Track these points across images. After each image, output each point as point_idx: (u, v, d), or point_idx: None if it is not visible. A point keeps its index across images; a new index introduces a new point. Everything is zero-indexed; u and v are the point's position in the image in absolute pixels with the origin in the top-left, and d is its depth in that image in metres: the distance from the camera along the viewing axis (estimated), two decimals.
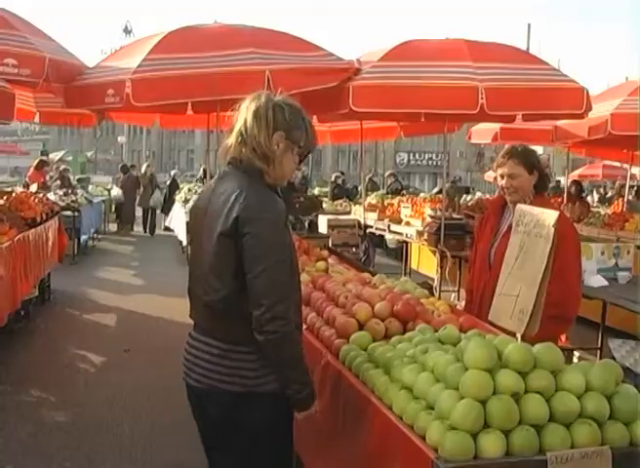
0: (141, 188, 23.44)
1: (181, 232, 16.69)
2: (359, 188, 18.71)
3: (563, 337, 7.47)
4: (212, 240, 3.02)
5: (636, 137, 10.84)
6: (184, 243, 16.13)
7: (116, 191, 24.02)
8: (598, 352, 7.45)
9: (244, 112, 3.18)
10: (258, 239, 2.93)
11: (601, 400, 2.78)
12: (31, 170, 19.14)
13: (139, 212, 23.51)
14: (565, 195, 14.77)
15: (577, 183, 15.21)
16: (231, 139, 3.19)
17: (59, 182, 19.66)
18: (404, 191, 20.72)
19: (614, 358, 6.13)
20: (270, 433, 3.15)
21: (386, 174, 24.62)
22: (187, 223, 2.90)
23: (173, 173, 26.57)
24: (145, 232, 22.66)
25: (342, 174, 23.40)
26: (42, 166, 19.12)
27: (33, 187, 17.38)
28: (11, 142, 62.90)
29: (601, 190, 31.29)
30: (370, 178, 24.61)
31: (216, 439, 3.26)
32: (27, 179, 18.44)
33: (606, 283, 6.68)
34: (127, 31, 63.14)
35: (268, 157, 3.09)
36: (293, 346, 3.04)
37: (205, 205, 3.17)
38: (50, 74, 7.96)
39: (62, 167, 23.44)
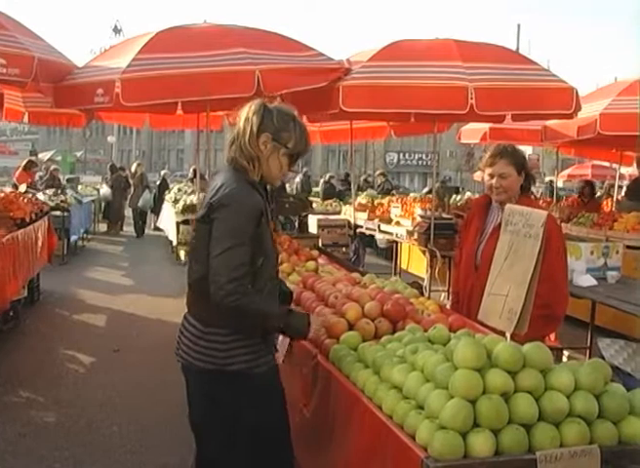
0: (132, 188, 23.20)
1: (172, 232, 16.69)
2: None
3: (552, 337, 7.50)
4: (198, 227, 3.37)
5: (625, 138, 10.91)
6: (175, 242, 16.12)
7: (105, 189, 23.94)
8: (587, 351, 7.48)
9: (240, 117, 3.43)
10: (221, 223, 3.23)
11: (590, 399, 2.79)
12: (19, 170, 19.00)
13: (129, 212, 23.42)
14: (577, 195, 14.89)
15: (588, 183, 15.27)
16: (229, 141, 3.45)
17: (49, 182, 19.65)
18: (394, 191, 20.73)
19: (603, 357, 6.15)
20: (248, 411, 3.38)
21: (376, 173, 24.57)
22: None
23: (163, 173, 26.50)
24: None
25: (347, 175, 23.38)
26: (30, 167, 19.01)
27: (22, 187, 17.34)
28: None
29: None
30: (364, 179, 24.59)
31: (198, 414, 3.52)
32: (15, 180, 18.29)
33: (595, 282, 6.70)
34: (116, 31, 63.11)
35: (253, 157, 3.36)
36: (253, 311, 3.27)
37: (203, 201, 3.45)
38: (39, 74, 7.93)
39: (53, 167, 23.34)
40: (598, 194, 24.73)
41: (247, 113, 3.39)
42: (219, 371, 3.31)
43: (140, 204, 22.00)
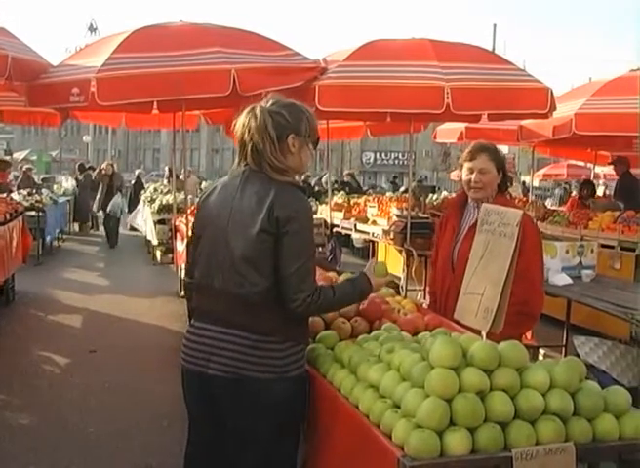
0: (101, 190, 20.59)
1: (149, 232, 16.61)
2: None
3: (529, 335, 7.54)
4: (247, 236, 3.19)
5: (599, 137, 11.03)
6: (155, 242, 16.02)
7: (70, 184, 23.56)
8: (563, 349, 7.52)
9: (245, 128, 3.29)
10: (294, 237, 3.18)
11: (565, 397, 2.81)
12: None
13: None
14: (576, 195, 14.65)
15: (588, 183, 14.80)
16: (246, 150, 3.31)
17: (25, 182, 19.44)
18: (370, 190, 20.72)
19: (578, 355, 6.20)
20: (289, 416, 3.34)
21: (345, 172, 24.39)
22: (199, 221, 2.95)
23: (137, 172, 26.25)
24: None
25: (323, 177, 23.30)
26: (5, 167, 18.82)
27: None
28: None
29: (565, 188, 31.56)
30: (340, 181, 24.50)
31: (231, 430, 3.35)
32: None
33: (570, 281, 6.74)
34: (92, 29, 62.71)
35: (285, 162, 3.29)
36: (337, 306, 3.55)
37: (230, 203, 3.31)
38: (12, 72, 7.87)
39: (26, 166, 23.15)
40: (573, 193, 24.83)
41: (258, 125, 3.25)
42: (277, 380, 3.24)
43: (109, 208, 19.40)
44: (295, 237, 3.18)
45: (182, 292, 11.01)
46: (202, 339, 3.33)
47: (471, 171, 4.61)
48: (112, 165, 21.74)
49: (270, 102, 3.33)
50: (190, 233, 3.81)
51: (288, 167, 3.30)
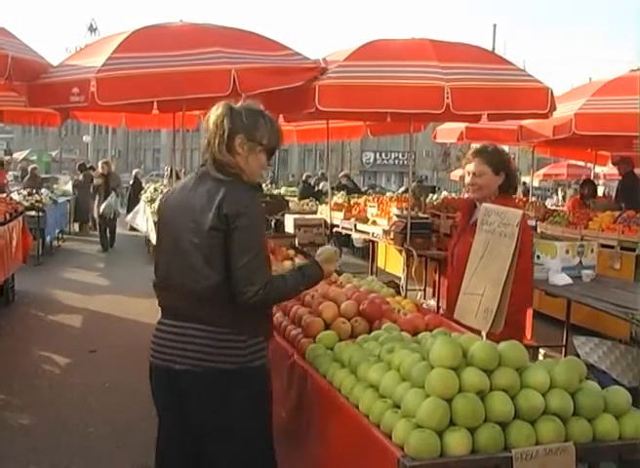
0: (97, 191, 20.17)
1: (150, 231, 16.60)
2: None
3: (528, 335, 7.54)
4: (200, 233, 3.30)
5: (600, 137, 11.03)
6: (154, 241, 15.99)
7: (68, 186, 23.51)
8: (563, 349, 7.52)
9: (208, 122, 3.46)
10: (243, 231, 3.26)
11: (565, 397, 2.81)
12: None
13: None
14: (578, 195, 14.50)
15: (589, 182, 14.55)
16: (203, 146, 3.49)
17: (31, 181, 19.37)
18: (370, 190, 20.66)
19: (578, 355, 6.20)
20: (257, 405, 3.42)
21: (340, 174, 24.11)
22: (160, 221, 3.01)
23: (135, 172, 26.05)
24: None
25: (323, 175, 23.14)
26: (2, 166, 18.80)
27: None
28: None
29: (566, 189, 31.53)
30: (338, 184, 24.20)
31: (202, 423, 3.42)
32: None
33: (570, 281, 6.74)
34: (92, 29, 62.63)
35: (231, 161, 3.40)
36: (287, 296, 3.72)
37: (185, 203, 3.43)
38: (13, 72, 7.87)
39: (32, 165, 23.13)
40: (561, 193, 24.76)
41: (215, 118, 3.42)
42: (240, 370, 3.34)
43: (101, 209, 18.94)
44: (244, 232, 3.27)
45: None
46: (167, 335, 3.44)
47: (468, 173, 4.75)
48: (108, 163, 21.30)
49: (240, 104, 3.49)
50: (156, 238, 3.86)
51: (236, 165, 3.40)
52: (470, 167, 4.74)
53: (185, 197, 3.45)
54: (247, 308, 3.30)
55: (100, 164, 21.42)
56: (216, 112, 3.44)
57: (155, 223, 3.08)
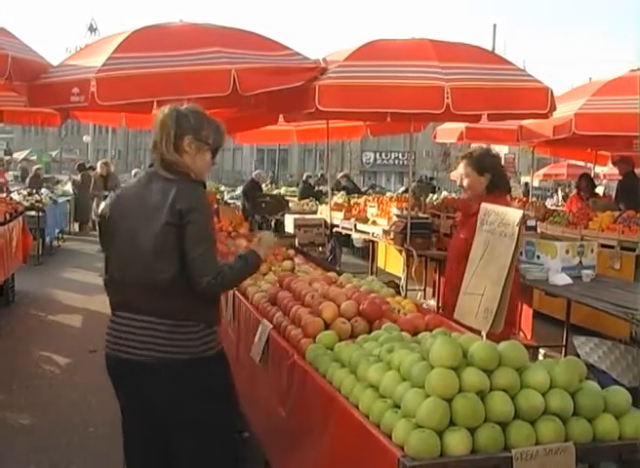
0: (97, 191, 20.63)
1: None
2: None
3: (528, 335, 7.55)
4: (153, 229, 3.50)
5: (600, 137, 11.03)
6: None
7: (68, 186, 23.50)
8: (563, 349, 7.52)
9: (156, 125, 3.67)
10: (195, 226, 3.48)
11: (565, 397, 2.81)
12: None
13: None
14: (575, 191, 14.40)
15: (585, 177, 14.31)
16: (151, 146, 3.73)
17: (33, 181, 19.34)
18: (370, 190, 20.60)
19: (578, 355, 6.20)
20: (214, 394, 3.60)
21: (339, 175, 23.89)
22: (110, 219, 3.16)
23: (134, 172, 25.95)
24: None
25: (322, 176, 23.03)
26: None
27: None
28: None
29: (566, 189, 31.53)
30: (337, 184, 23.92)
31: (163, 414, 3.61)
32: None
33: (570, 281, 6.74)
34: (92, 29, 62.64)
35: (179, 160, 3.62)
36: (235, 284, 4.09)
37: (139, 201, 3.64)
38: (13, 72, 7.86)
39: (36, 166, 23.12)
40: (561, 193, 24.70)
41: (163, 120, 3.62)
42: (195, 360, 3.53)
43: (100, 210, 19.04)
44: (196, 226, 3.49)
45: None
46: (124, 328, 3.61)
47: (460, 176, 5.26)
48: (107, 164, 21.25)
49: (184, 107, 3.71)
50: (102, 236, 4.07)
51: (183, 164, 3.61)
52: (459, 170, 5.20)
53: (139, 195, 3.65)
54: (200, 298, 3.52)
55: (99, 164, 21.27)
56: (163, 114, 3.64)
57: (100, 222, 3.25)
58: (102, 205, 4.00)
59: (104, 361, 3.76)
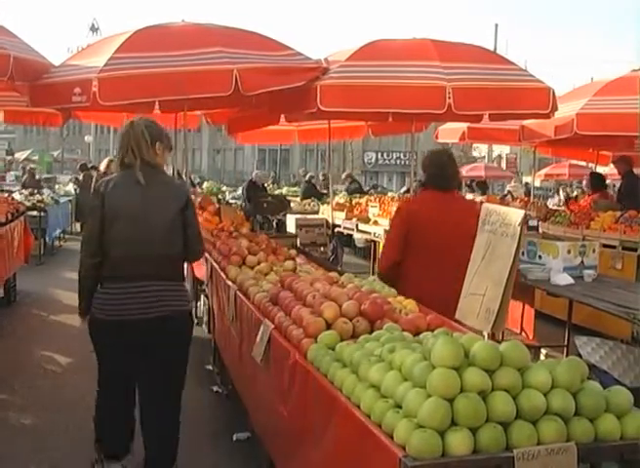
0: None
1: None
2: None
3: (530, 335, 7.55)
4: (167, 213, 4.53)
5: (601, 137, 11.02)
6: None
7: (69, 186, 23.49)
8: (564, 349, 7.52)
9: (125, 140, 4.58)
10: (191, 210, 4.69)
11: (567, 397, 2.80)
12: None
13: None
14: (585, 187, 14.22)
15: (593, 175, 13.87)
16: (126, 155, 4.57)
17: (29, 181, 19.28)
18: (371, 190, 20.54)
19: (580, 355, 6.20)
20: (190, 341, 4.79)
21: (343, 175, 23.79)
22: (110, 209, 4.37)
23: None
24: None
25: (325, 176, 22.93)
26: None
27: None
28: None
29: (567, 189, 31.51)
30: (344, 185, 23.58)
31: (160, 359, 4.55)
32: None
33: (572, 281, 6.73)
34: (93, 29, 62.68)
35: (153, 165, 4.60)
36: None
37: (138, 192, 4.49)
38: (14, 72, 7.88)
39: (30, 166, 23.05)
40: (562, 194, 24.62)
41: (138, 131, 4.55)
42: (189, 311, 4.78)
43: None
44: (192, 209, 4.71)
45: None
46: (134, 294, 4.44)
47: None
48: (113, 162, 20.77)
49: (142, 121, 4.66)
50: (96, 222, 4.55)
51: (157, 163, 4.64)
52: None
53: (137, 189, 4.49)
54: (184, 264, 4.81)
55: (105, 162, 20.67)
56: (136, 126, 4.59)
57: (100, 217, 3.75)
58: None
59: (107, 332, 4.62)
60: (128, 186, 4.50)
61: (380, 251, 6.70)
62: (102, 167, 18.16)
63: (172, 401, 4.70)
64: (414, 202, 6.67)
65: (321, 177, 25.80)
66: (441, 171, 5.80)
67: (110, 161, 20.46)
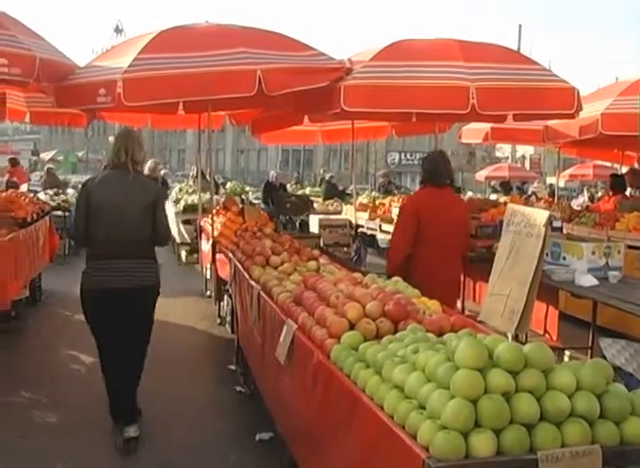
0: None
1: (174, 232, 16.70)
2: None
3: (554, 336, 7.51)
4: (140, 206, 5.70)
5: (626, 137, 10.91)
6: (178, 240, 16.12)
7: None
8: (589, 351, 7.46)
9: (124, 139, 5.85)
10: (161, 204, 5.96)
11: (591, 399, 2.79)
12: (11, 169, 18.58)
13: None
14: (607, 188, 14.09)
15: (614, 176, 13.64)
16: (116, 153, 5.80)
17: (50, 180, 19.31)
18: (395, 191, 20.49)
19: (604, 357, 6.15)
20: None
21: (378, 173, 23.81)
22: (96, 200, 5.78)
23: (162, 173, 25.91)
24: None
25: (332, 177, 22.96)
26: (15, 163, 18.81)
27: (24, 187, 17.29)
28: (1, 142, 62.61)
29: (592, 190, 31.29)
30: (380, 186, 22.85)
31: (137, 316, 5.82)
32: (15, 180, 17.96)
33: (596, 282, 6.68)
34: (118, 31, 63.22)
35: (138, 163, 5.87)
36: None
37: (126, 188, 5.70)
38: (41, 74, 7.94)
39: (48, 166, 23.11)
40: (587, 194, 24.42)
41: (135, 139, 5.87)
42: (155, 285, 5.94)
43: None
44: (162, 205, 6.00)
45: (208, 292, 11.06)
46: (119, 269, 5.66)
47: None
48: (157, 166, 19.17)
49: (134, 130, 6.27)
50: (81, 211, 5.82)
51: (141, 165, 5.98)
52: None
53: (119, 184, 5.72)
54: (155, 247, 5.99)
55: (149, 163, 18.66)
56: (130, 133, 6.03)
57: (84, 207, 5.78)
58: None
59: (92, 300, 5.86)
60: (112, 183, 5.74)
61: (390, 248, 7.15)
62: (147, 170, 17.32)
63: (141, 344, 6.01)
64: (417, 198, 7.21)
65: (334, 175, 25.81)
66: (436, 170, 6.76)
67: (156, 163, 19.89)
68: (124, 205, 5.63)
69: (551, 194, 21.90)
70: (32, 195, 13.90)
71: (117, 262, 5.64)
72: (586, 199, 24.60)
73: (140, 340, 5.96)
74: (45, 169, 22.63)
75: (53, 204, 14.74)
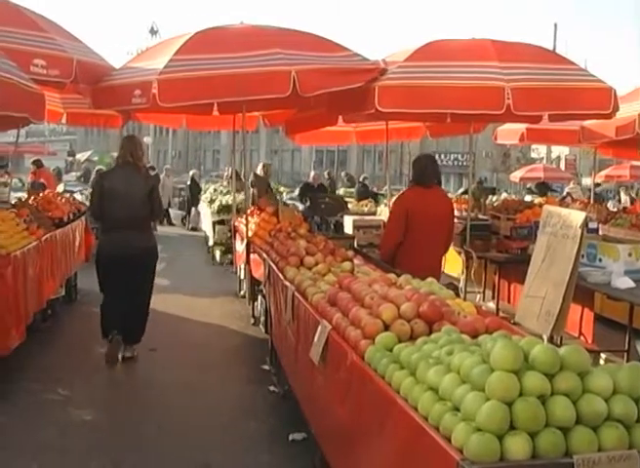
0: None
1: (209, 232, 16.79)
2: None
3: (589, 339, 7.44)
4: (141, 192, 7.66)
5: None
6: (211, 242, 16.21)
7: None
8: (625, 354, 7.39)
9: (129, 143, 7.90)
10: (156, 191, 7.95)
11: (629, 402, 2.76)
12: (38, 171, 18.70)
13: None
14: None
15: None
16: (123, 153, 7.85)
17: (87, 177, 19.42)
18: None
19: None
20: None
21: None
22: (112, 191, 7.72)
23: (191, 173, 25.97)
24: None
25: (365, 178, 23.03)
26: (40, 165, 18.95)
27: (60, 187, 17.44)
28: (38, 143, 63.26)
29: (630, 192, 30.92)
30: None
31: (137, 273, 7.77)
32: (43, 181, 18.01)
33: (633, 284, 6.61)
34: (153, 32, 63.53)
35: (139, 159, 7.87)
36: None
37: (132, 180, 7.69)
38: (78, 75, 8.04)
39: (84, 164, 23.26)
40: (624, 196, 24.15)
41: (138, 142, 8.06)
42: (155, 247, 8.02)
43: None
44: (157, 191, 8.03)
45: (242, 292, 11.10)
46: (128, 238, 7.57)
47: None
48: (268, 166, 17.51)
49: (133, 137, 8.34)
50: (97, 195, 7.88)
51: (140, 163, 7.92)
52: None
53: (125, 177, 7.68)
54: (151, 222, 8.23)
55: (260, 165, 16.98)
56: (134, 139, 8.17)
57: (99, 193, 7.87)
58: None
59: (108, 260, 7.68)
60: (119, 175, 7.76)
61: (383, 236, 8.49)
62: (259, 171, 16.63)
63: (144, 295, 8.02)
64: (407, 196, 8.10)
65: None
66: (423, 172, 7.73)
67: (269, 165, 19.15)
68: (129, 191, 7.61)
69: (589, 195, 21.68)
70: (68, 195, 14.03)
71: (125, 233, 7.56)
72: (623, 200, 24.37)
73: (145, 288, 7.98)
74: (95, 170, 22.90)
75: (89, 204, 14.84)
